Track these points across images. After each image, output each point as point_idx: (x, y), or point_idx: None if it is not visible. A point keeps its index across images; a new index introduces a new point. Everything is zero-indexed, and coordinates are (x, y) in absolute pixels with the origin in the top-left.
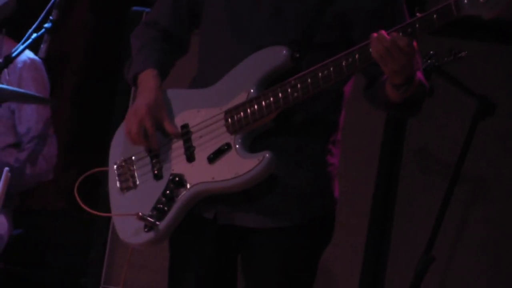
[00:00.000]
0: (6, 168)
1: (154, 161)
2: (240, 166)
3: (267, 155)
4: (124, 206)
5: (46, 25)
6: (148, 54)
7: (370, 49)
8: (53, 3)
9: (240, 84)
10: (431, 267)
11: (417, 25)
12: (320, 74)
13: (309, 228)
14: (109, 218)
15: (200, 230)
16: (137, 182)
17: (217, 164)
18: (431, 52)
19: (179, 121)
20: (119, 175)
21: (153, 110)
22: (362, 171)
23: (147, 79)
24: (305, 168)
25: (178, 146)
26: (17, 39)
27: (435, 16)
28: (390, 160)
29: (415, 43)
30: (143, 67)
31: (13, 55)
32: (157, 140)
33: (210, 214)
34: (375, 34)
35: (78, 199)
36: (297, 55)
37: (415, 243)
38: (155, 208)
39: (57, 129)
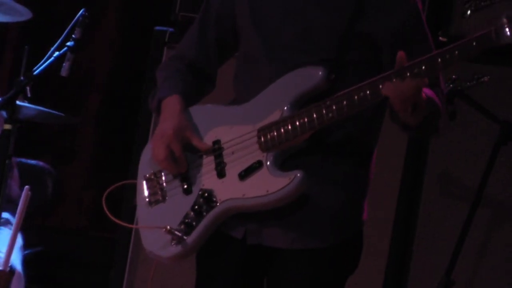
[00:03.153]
0: (27, 187)
1: (184, 175)
2: (271, 184)
3: (299, 174)
4: (152, 220)
5: (68, 43)
6: (173, 84)
7: (408, 74)
8: (76, 21)
9: (274, 102)
10: None
11: (456, 52)
12: (356, 97)
13: (337, 251)
14: (130, 237)
15: (227, 250)
16: (166, 196)
17: (248, 181)
18: (454, 76)
19: (211, 136)
20: (148, 188)
21: (180, 133)
22: (383, 193)
23: (171, 104)
24: (336, 188)
25: (208, 162)
26: (41, 57)
27: (474, 43)
28: (412, 183)
29: (425, 80)
30: (167, 94)
31: (35, 73)
32: (186, 163)
33: (239, 233)
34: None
35: (106, 210)
36: (333, 76)
37: (436, 266)
38: (183, 222)
39: (80, 147)
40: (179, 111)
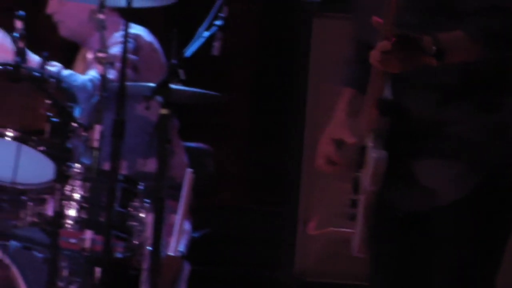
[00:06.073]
0: (189, 169)
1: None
2: (368, 164)
3: (374, 154)
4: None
5: (217, 22)
6: (349, 69)
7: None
8: (223, 0)
9: None
10: None
11: None
12: None
13: (485, 195)
14: (296, 210)
15: (385, 220)
16: None
17: (364, 167)
18: None
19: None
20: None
21: (332, 136)
22: None
23: (339, 101)
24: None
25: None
26: (188, 39)
27: None
28: None
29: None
30: (343, 83)
31: (186, 55)
32: (343, 164)
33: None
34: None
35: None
36: None
37: None
38: (351, 216)
39: (236, 124)
40: (339, 110)
